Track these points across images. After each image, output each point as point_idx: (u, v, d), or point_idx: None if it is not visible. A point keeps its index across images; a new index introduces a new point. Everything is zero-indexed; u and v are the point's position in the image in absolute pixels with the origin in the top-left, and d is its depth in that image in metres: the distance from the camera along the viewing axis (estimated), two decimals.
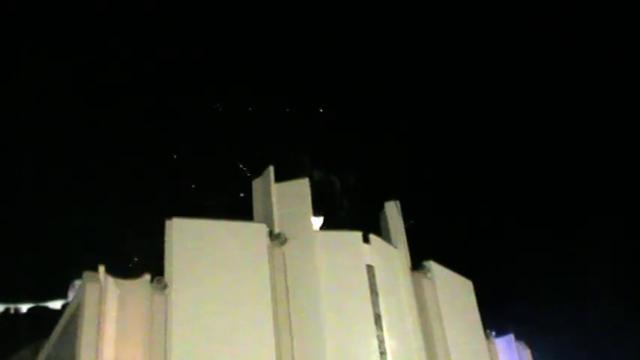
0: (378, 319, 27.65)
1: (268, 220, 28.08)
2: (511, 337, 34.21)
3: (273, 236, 27.55)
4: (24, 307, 57.57)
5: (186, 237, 26.27)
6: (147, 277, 25.61)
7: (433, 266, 31.31)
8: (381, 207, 32.92)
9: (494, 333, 33.70)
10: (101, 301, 24.54)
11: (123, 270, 26.15)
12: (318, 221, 31.54)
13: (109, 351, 24.02)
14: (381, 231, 31.96)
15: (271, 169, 29.71)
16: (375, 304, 27.89)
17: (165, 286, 25.17)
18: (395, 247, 30.79)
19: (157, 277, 25.41)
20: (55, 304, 55.98)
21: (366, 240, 29.29)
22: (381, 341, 27.23)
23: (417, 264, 31.30)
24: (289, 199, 28.79)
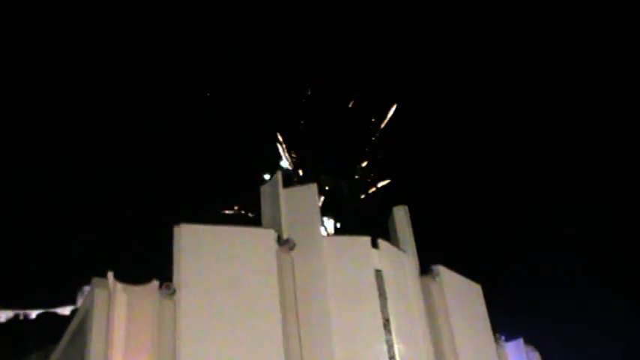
0: (387, 323, 27.63)
1: (277, 226, 28.08)
2: (520, 341, 34.09)
3: (281, 242, 27.54)
4: (33, 313, 57.76)
5: (194, 243, 26.29)
6: (155, 282, 25.64)
7: (442, 271, 31.24)
8: (390, 212, 32.90)
9: (503, 337, 33.60)
10: (110, 306, 24.59)
11: (131, 275, 26.17)
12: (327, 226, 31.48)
13: (117, 356, 24.04)
14: (390, 236, 31.91)
15: (279, 174, 29.72)
16: (383, 308, 27.86)
17: (173, 292, 25.19)
18: (404, 252, 30.73)
19: (166, 283, 25.42)
20: (64, 310, 56.15)
21: (374, 245, 29.27)
22: (390, 346, 27.19)
23: (425, 268, 31.22)
24: (298, 204, 28.78)
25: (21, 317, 57.87)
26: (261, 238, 27.62)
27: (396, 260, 29.92)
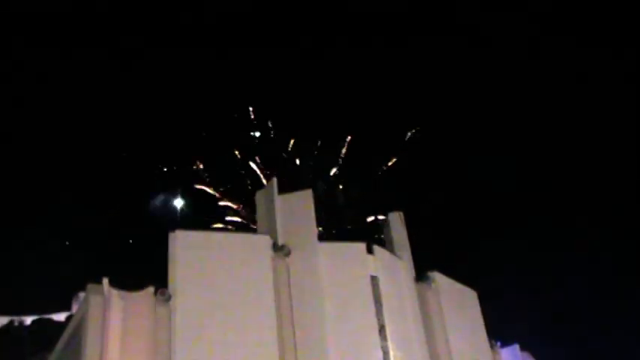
0: (382, 329, 27.60)
1: (272, 232, 28.04)
2: (516, 347, 34.07)
3: (277, 248, 27.50)
4: (28, 319, 57.61)
5: (189, 249, 26.24)
6: (150, 289, 25.60)
7: (437, 277, 31.21)
8: (385, 218, 32.89)
9: (499, 343, 33.57)
10: (105, 313, 24.55)
11: (126, 282, 26.14)
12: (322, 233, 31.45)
13: None
14: (385, 242, 31.90)
15: (274, 180, 29.72)
16: (379, 314, 27.82)
17: (168, 298, 25.16)
18: (399, 258, 30.71)
19: (161, 289, 25.39)
20: (59, 317, 56.00)
21: (370, 251, 29.23)
22: (385, 352, 27.14)
23: (421, 274, 31.19)
24: (293, 210, 28.76)
25: (16, 323, 57.73)
26: (256, 245, 27.60)
27: (391, 266, 29.89)
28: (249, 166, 57.45)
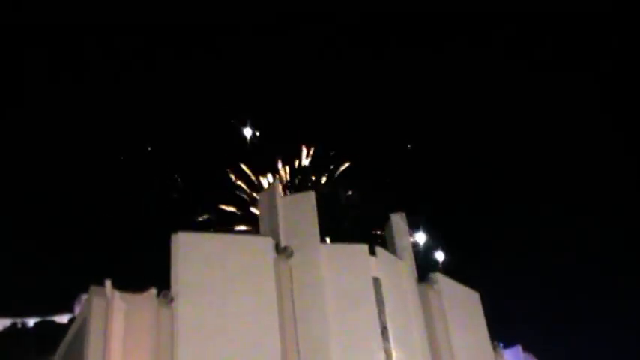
0: (384, 330, 27.63)
1: (274, 234, 28.09)
2: (518, 347, 34.10)
3: (279, 249, 27.55)
4: (31, 321, 57.53)
5: (192, 251, 26.28)
6: (153, 291, 25.62)
7: (440, 278, 31.24)
8: (388, 219, 32.92)
9: (501, 344, 33.58)
10: (107, 315, 24.57)
11: (129, 284, 26.16)
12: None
13: None
14: (387, 243, 31.92)
15: (277, 182, 29.81)
16: (381, 315, 27.86)
17: (171, 300, 25.18)
18: (401, 259, 30.74)
19: (163, 291, 25.42)
20: (62, 318, 55.93)
21: (372, 252, 29.26)
22: (388, 353, 27.17)
23: (423, 275, 31.22)
24: (295, 212, 28.80)
25: (19, 325, 57.65)
26: (259, 246, 27.67)
27: (393, 268, 29.93)
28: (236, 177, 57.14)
